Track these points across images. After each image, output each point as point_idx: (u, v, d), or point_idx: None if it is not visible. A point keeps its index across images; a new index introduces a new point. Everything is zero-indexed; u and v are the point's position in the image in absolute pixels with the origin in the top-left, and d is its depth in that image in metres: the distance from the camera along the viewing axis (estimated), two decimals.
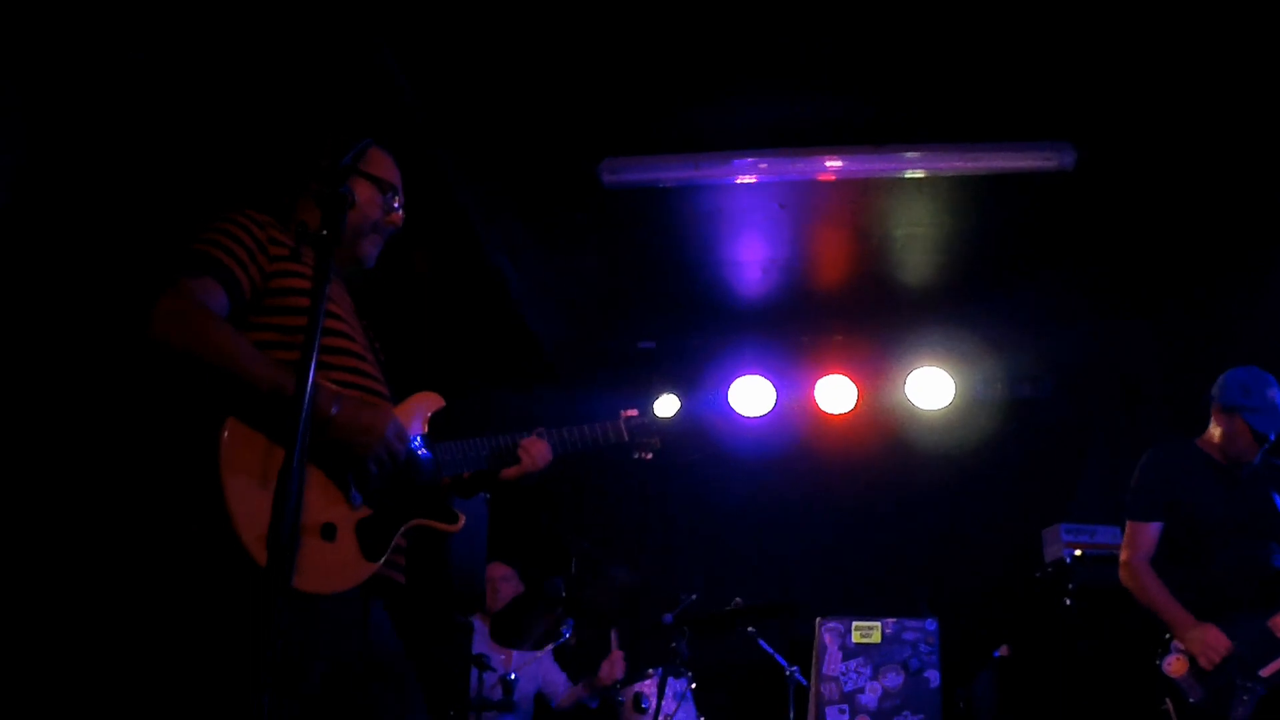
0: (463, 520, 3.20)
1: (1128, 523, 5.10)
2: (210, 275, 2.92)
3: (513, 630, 6.08)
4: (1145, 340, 7.83)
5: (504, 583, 6.82)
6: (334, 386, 2.94)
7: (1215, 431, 5.13)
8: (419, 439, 3.18)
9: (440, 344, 7.19)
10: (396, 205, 3.35)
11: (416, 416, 3.21)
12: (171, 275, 2.91)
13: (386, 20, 4.87)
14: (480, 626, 6.44)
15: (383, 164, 3.36)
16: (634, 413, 3.69)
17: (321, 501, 2.83)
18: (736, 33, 5.22)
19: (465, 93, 5.51)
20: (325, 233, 2.68)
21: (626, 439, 3.64)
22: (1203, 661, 4.68)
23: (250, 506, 2.69)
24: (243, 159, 4.84)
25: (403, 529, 3.03)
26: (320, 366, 2.78)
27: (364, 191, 3.24)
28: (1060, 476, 7.69)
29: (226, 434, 2.75)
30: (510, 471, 3.36)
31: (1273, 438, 5.06)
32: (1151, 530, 5.02)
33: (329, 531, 2.82)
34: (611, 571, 6.40)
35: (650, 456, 3.71)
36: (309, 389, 2.44)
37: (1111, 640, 6.34)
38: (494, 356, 7.96)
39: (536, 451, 3.38)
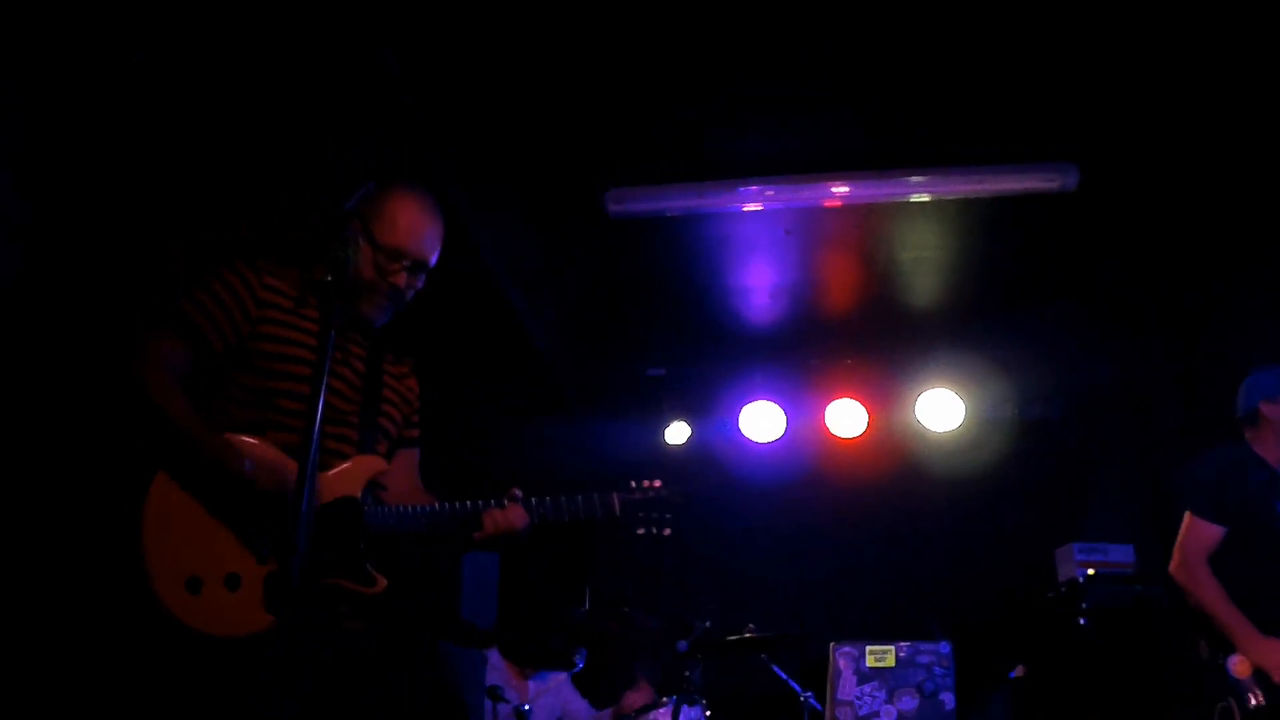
0: (382, 583, 3.17)
1: (1191, 517, 4.95)
2: (178, 335, 3.08)
3: (522, 651, 6.10)
4: (1154, 358, 7.83)
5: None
6: (251, 448, 3.04)
7: (1265, 433, 5.03)
8: (349, 502, 3.18)
9: (447, 372, 7.22)
10: (396, 267, 3.26)
11: (352, 481, 3.20)
12: (141, 332, 3.09)
13: (400, 50, 4.88)
14: (495, 659, 6.45)
15: (397, 218, 3.27)
16: (649, 484, 3.43)
17: (230, 553, 2.98)
18: (740, 61, 5.26)
19: (472, 127, 5.56)
20: (330, 279, 2.75)
21: (619, 515, 3.38)
22: (1276, 678, 4.58)
23: (164, 552, 2.93)
24: (244, 164, 4.87)
25: (311, 588, 3.03)
26: (280, 428, 3.08)
27: (361, 249, 3.22)
28: (1072, 496, 7.68)
29: (154, 486, 2.98)
30: (479, 535, 3.28)
31: None
32: (1214, 531, 4.88)
33: (233, 581, 2.97)
34: (639, 618, 6.43)
35: (668, 533, 3.44)
36: (315, 435, 2.53)
37: (1125, 659, 6.33)
38: (503, 385, 8.00)
39: (502, 518, 3.26)
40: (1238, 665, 4.68)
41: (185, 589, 2.91)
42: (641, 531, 3.42)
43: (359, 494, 3.20)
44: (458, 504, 3.29)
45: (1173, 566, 4.97)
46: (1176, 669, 4.92)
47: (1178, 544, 4.98)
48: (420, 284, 3.38)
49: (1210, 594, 4.81)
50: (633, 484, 3.41)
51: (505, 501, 3.28)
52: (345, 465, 3.21)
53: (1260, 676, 4.65)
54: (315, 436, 2.53)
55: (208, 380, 3.12)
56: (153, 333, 3.07)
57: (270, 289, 3.19)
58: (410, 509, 3.27)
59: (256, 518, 3.00)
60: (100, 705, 3.04)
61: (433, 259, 3.35)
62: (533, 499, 3.31)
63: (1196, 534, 4.93)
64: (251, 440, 3.06)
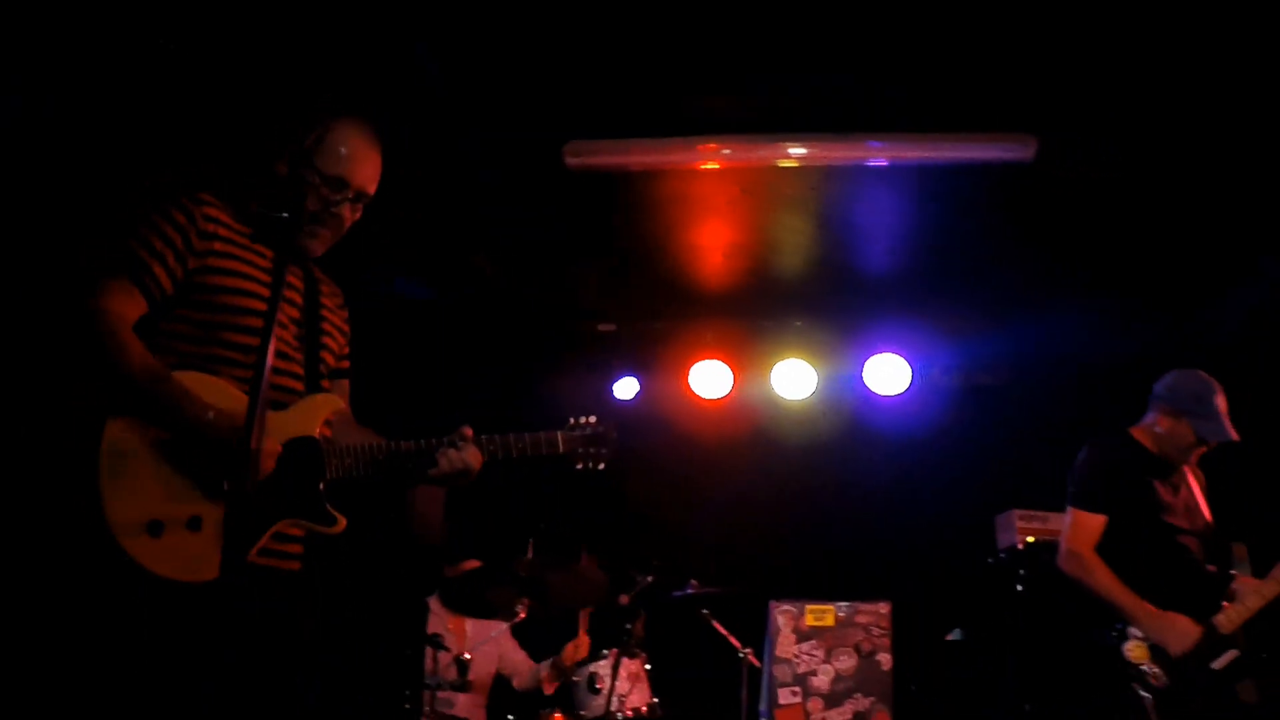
0: (343, 522, 3.20)
1: (1072, 510, 5.14)
2: (128, 276, 3.00)
3: (464, 599, 6.10)
4: (1101, 330, 7.90)
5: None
6: (212, 392, 2.99)
7: (1157, 428, 5.18)
8: (307, 442, 3.18)
9: (402, 328, 7.17)
10: (339, 198, 3.26)
11: (308, 420, 3.20)
12: (90, 275, 3.01)
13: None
14: (435, 606, 6.44)
15: (341, 148, 3.26)
16: (586, 420, 3.60)
17: (190, 495, 2.95)
18: (703, 19, 5.22)
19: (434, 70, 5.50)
20: (285, 215, 2.73)
21: (563, 450, 3.56)
22: (1176, 649, 4.71)
23: (122, 497, 2.87)
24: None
25: (271, 529, 3.06)
26: (229, 364, 3.03)
27: (310, 178, 3.22)
28: (1014, 463, 7.75)
29: (108, 431, 2.91)
30: (434, 472, 3.34)
31: (1211, 446, 5.13)
32: (1096, 520, 5.06)
33: (195, 523, 2.93)
34: (579, 564, 6.44)
35: (603, 467, 3.62)
36: (264, 381, 2.49)
37: (1062, 625, 6.42)
38: (454, 340, 7.96)
39: (457, 457, 3.33)
40: (1132, 650, 4.78)
41: (146, 533, 2.87)
42: (580, 466, 3.59)
43: (315, 433, 3.19)
44: (414, 443, 3.33)
45: (1060, 560, 5.12)
46: (1090, 652, 5.04)
47: (1062, 537, 5.15)
48: (359, 215, 3.37)
49: (1100, 577, 4.95)
50: (571, 420, 3.59)
51: (459, 441, 3.33)
52: (300, 404, 3.20)
53: (1158, 656, 4.76)
54: (265, 374, 2.51)
55: (156, 320, 3.06)
56: (102, 275, 3.01)
57: (213, 220, 3.13)
58: (367, 448, 3.28)
59: (217, 459, 2.96)
60: (65, 656, 2.96)
61: (373, 190, 3.36)
62: (483, 437, 3.38)
63: (1081, 527, 5.09)
64: (211, 380, 3.03)
